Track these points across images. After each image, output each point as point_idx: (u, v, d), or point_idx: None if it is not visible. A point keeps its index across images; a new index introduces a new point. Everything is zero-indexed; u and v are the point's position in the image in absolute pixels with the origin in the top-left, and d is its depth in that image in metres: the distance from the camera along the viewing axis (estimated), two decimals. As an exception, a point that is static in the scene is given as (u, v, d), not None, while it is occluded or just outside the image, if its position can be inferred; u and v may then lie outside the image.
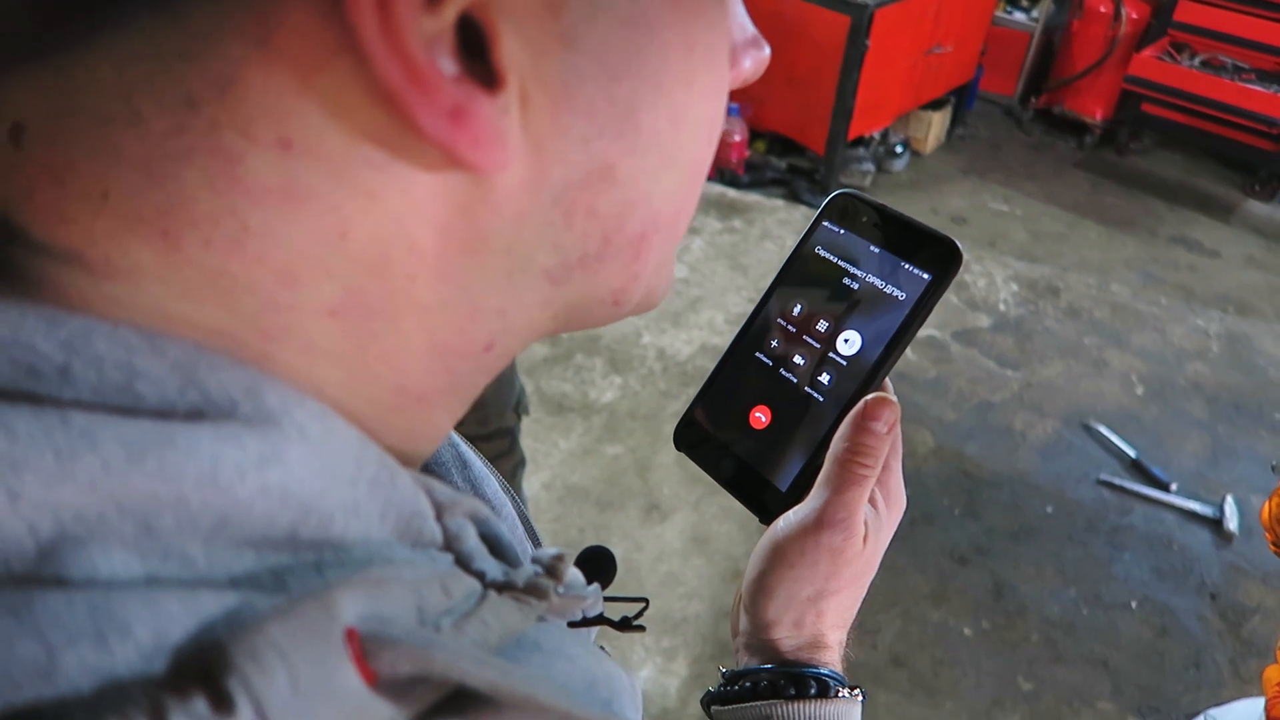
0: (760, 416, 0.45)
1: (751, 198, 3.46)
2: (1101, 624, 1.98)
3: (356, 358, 0.22)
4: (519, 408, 1.53)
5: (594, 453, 2.27)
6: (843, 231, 0.45)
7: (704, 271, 3.02)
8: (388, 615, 0.18)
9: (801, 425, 0.44)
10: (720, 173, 3.49)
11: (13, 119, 0.19)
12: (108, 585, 0.17)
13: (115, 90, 0.18)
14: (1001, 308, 2.99)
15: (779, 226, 3.31)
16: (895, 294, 0.43)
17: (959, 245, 0.42)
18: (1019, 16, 4.09)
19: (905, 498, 0.46)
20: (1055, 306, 3.03)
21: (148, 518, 0.17)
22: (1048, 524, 2.21)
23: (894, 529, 0.45)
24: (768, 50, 0.29)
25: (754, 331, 0.46)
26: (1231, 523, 2.20)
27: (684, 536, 2.06)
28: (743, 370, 0.46)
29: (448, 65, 0.19)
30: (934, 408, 2.53)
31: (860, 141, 3.61)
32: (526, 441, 1.75)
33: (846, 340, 0.43)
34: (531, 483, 2.14)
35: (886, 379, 0.43)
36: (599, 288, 0.26)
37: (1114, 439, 2.44)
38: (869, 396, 0.41)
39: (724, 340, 2.70)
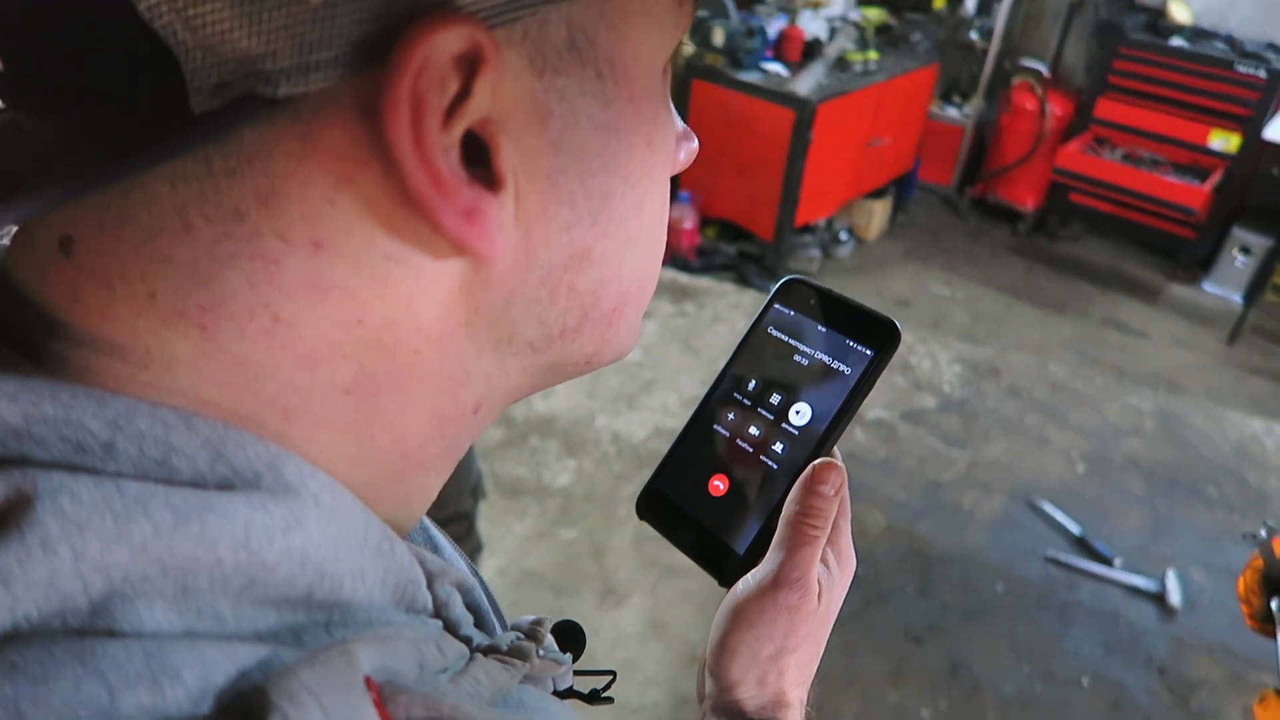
0: (719, 484, 0.47)
1: (703, 282, 3.54)
2: (1056, 701, 1.99)
3: (364, 429, 0.25)
4: (476, 491, 1.53)
5: (549, 536, 2.25)
6: (792, 313, 0.49)
7: (657, 354, 3.06)
8: (395, 668, 0.21)
9: (757, 492, 0.46)
10: (673, 258, 3.57)
11: (62, 232, 0.22)
12: (155, 636, 0.19)
13: (170, 205, 0.21)
14: (946, 388, 3.08)
15: (730, 310, 3.38)
16: (841, 369, 0.46)
17: (898, 324, 0.46)
18: (952, 112, 4.33)
19: (855, 557, 0.48)
20: (997, 386, 3.12)
21: (185, 578, 0.20)
22: (999, 602, 2.23)
23: (846, 586, 0.47)
24: (696, 142, 0.34)
25: (711, 405, 0.49)
26: (1174, 597, 2.25)
27: (640, 622, 2.04)
28: (702, 441, 0.49)
29: (460, 172, 0.22)
30: (885, 487, 2.57)
31: (807, 228, 3.73)
32: (481, 525, 1.74)
33: (798, 412, 0.46)
34: (486, 567, 2.10)
35: (835, 447, 0.46)
36: (575, 354, 0.30)
37: (1058, 516, 2.50)
38: (816, 462, 0.44)
39: (677, 422, 2.71)
